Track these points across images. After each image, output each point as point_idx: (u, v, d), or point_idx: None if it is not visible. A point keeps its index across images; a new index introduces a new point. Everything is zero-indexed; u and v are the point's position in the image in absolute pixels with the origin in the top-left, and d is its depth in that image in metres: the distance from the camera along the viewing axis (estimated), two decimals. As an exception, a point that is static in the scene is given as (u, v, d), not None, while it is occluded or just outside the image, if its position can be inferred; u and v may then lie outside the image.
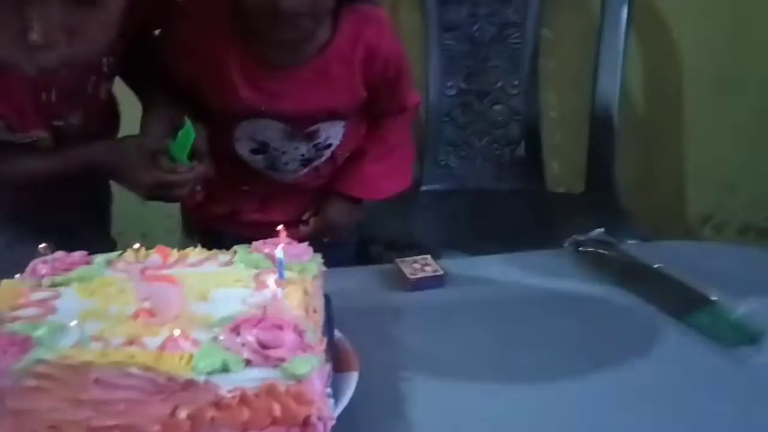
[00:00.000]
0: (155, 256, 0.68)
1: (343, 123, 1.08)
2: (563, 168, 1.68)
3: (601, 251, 0.90)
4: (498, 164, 1.65)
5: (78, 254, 0.71)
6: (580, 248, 0.92)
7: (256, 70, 1.01)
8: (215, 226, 1.15)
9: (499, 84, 1.64)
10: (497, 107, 1.65)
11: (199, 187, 0.99)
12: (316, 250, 0.74)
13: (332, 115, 1.06)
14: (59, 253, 0.71)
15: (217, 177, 1.06)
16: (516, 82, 1.64)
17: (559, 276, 0.88)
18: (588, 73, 1.63)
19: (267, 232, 1.07)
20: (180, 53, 1.02)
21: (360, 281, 0.90)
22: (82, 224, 1.11)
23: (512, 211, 1.55)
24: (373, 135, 1.14)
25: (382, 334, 0.77)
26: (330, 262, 0.76)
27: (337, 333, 0.71)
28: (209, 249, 0.98)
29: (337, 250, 1.14)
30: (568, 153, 1.68)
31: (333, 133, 1.08)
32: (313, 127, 1.06)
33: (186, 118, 0.93)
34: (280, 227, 0.74)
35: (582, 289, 0.85)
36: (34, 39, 0.80)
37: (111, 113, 1.08)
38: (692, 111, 1.77)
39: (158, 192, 0.95)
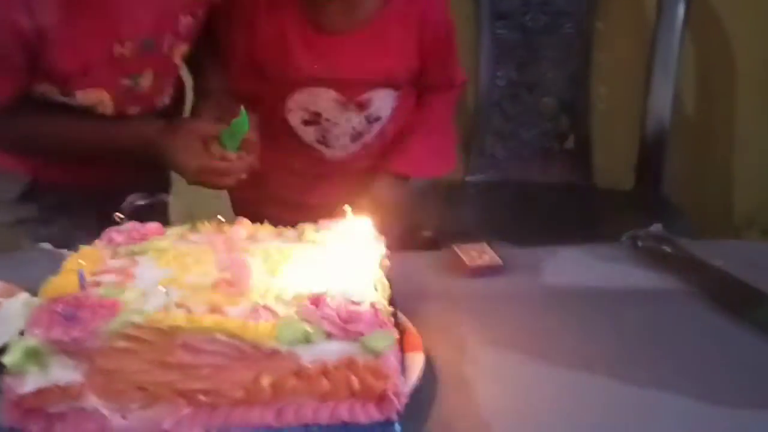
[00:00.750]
0: (236, 229, 0.69)
1: (394, 94, 1.11)
2: (612, 163, 1.66)
3: (661, 246, 0.90)
4: (546, 157, 1.64)
5: (152, 225, 0.72)
6: (639, 243, 0.92)
7: (313, 35, 1.04)
8: (259, 208, 1.16)
9: (550, 75, 1.63)
10: (547, 99, 1.64)
11: (244, 176, 0.99)
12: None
13: (385, 82, 1.09)
14: (133, 224, 0.72)
15: (266, 154, 1.08)
16: (567, 74, 1.63)
17: (618, 269, 0.88)
18: (641, 68, 1.61)
19: (312, 214, 1.10)
20: (240, 21, 1.04)
21: (416, 265, 0.90)
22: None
23: (559, 205, 1.54)
24: (419, 113, 1.16)
25: (442, 318, 0.77)
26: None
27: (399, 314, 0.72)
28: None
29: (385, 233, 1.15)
30: (617, 148, 1.67)
31: (384, 104, 1.11)
32: (366, 96, 1.08)
33: (242, 108, 0.93)
34: (346, 207, 0.75)
35: (643, 282, 0.85)
36: None
37: (178, 90, 1.10)
38: (743, 111, 1.75)
39: (205, 177, 0.96)
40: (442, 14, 1.12)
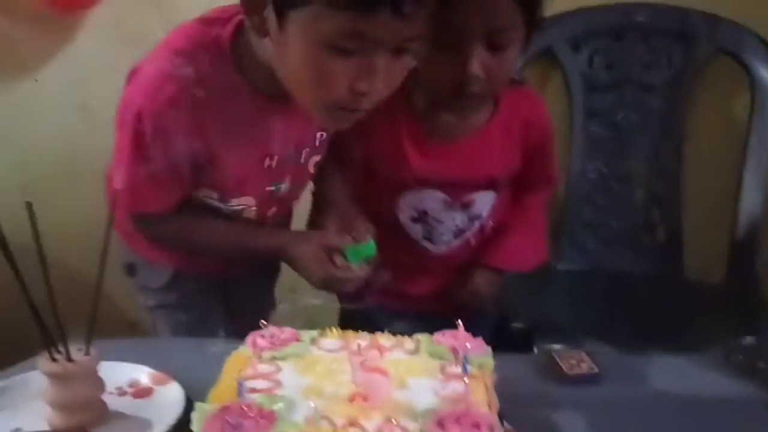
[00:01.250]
0: (372, 348, 0.78)
1: (494, 194, 1.20)
2: (703, 256, 1.69)
3: (755, 361, 0.94)
4: (636, 248, 1.69)
5: (288, 331, 0.83)
6: (731, 356, 0.96)
7: (425, 141, 1.15)
8: (361, 294, 1.26)
9: (641, 169, 1.69)
10: (638, 192, 1.70)
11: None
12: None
13: (489, 185, 1.18)
14: (273, 329, 0.83)
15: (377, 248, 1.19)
16: (657, 168, 1.69)
17: (712, 379, 0.92)
18: (732, 162, 1.65)
19: (413, 303, 1.21)
20: (360, 128, 1.13)
21: (513, 368, 0.96)
22: (256, 280, 1.27)
23: (649, 297, 1.58)
24: (516, 209, 1.25)
25: (542, 425, 0.84)
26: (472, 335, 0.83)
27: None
28: (354, 315, 1.13)
29: (478, 324, 1.23)
30: (709, 241, 1.69)
31: (485, 203, 1.20)
32: (470, 197, 1.18)
33: (371, 236, 1.04)
34: (459, 322, 0.83)
35: (737, 394, 0.89)
36: (364, 88, 0.88)
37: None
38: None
39: (328, 285, 1.05)
40: (544, 119, 1.22)
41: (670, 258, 1.68)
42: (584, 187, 1.71)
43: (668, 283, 1.65)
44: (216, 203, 1.07)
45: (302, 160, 1.09)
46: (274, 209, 1.13)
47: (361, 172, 1.18)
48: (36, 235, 0.73)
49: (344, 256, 1.03)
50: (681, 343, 1.13)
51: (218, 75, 0.94)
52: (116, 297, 1.42)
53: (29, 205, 0.71)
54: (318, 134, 1.08)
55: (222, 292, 1.23)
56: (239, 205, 1.07)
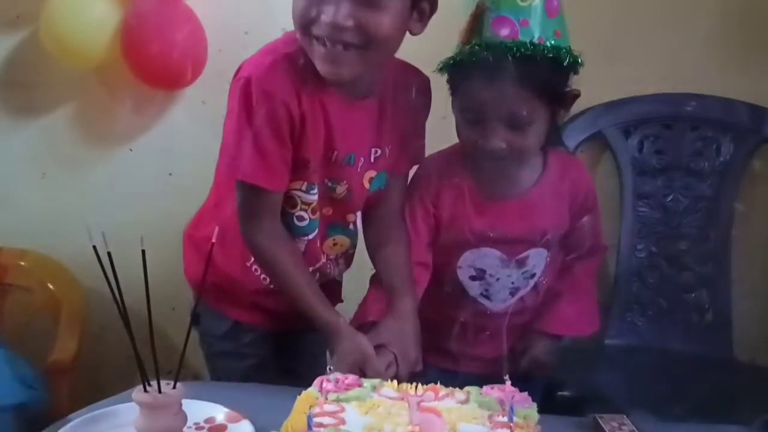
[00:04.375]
0: (427, 391, 0.87)
1: (546, 253, 1.29)
2: (752, 338, 1.72)
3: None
4: (684, 327, 1.73)
5: (352, 377, 0.93)
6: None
7: (483, 201, 1.26)
8: (425, 355, 1.28)
9: (690, 251, 1.75)
10: (686, 273, 1.75)
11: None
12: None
13: (540, 243, 1.27)
14: (338, 375, 0.93)
15: (437, 306, 1.28)
16: (706, 250, 1.74)
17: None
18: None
19: (472, 365, 1.28)
20: (425, 191, 1.28)
21: (557, 428, 1.03)
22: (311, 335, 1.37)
23: (697, 375, 1.60)
24: (567, 277, 1.33)
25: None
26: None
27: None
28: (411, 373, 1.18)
29: (528, 388, 1.30)
30: (758, 323, 1.72)
31: (538, 262, 1.29)
32: (524, 254, 1.27)
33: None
34: (506, 377, 0.91)
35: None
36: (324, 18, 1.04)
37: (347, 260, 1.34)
38: None
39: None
40: (588, 184, 1.33)
41: (719, 338, 1.71)
42: (634, 265, 1.77)
43: (716, 363, 1.67)
44: (303, 195, 1.17)
45: (358, 169, 1.20)
46: (330, 211, 1.22)
47: (428, 237, 1.28)
48: (146, 283, 0.84)
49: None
50: (726, 422, 1.16)
51: (307, 61, 1.08)
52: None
53: (143, 253, 0.83)
54: (372, 149, 1.20)
55: (278, 343, 1.34)
56: (316, 195, 1.18)
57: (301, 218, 1.20)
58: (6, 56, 1.79)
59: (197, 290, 1.30)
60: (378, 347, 1.14)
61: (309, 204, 1.19)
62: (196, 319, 1.32)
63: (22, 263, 1.48)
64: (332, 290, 1.34)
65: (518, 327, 1.32)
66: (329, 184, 1.20)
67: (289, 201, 1.18)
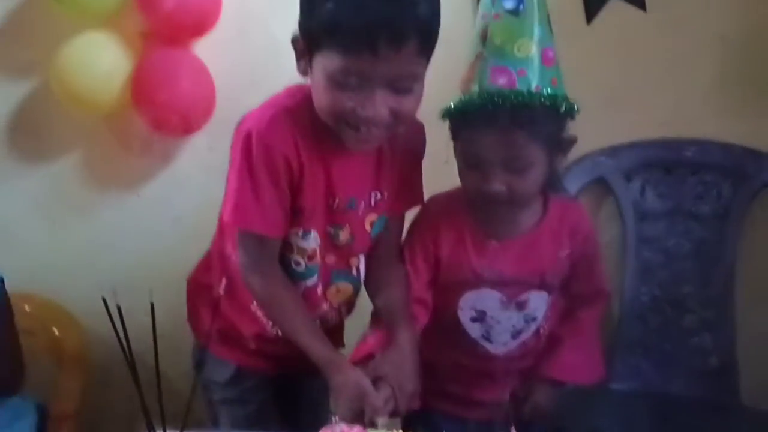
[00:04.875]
0: None
1: (547, 297, 1.30)
2: (758, 383, 1.71)
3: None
4: (689, 372, 1.72)
5: (357, 427, 0.92)
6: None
7: (483, 241, 1.28)
8: (429, 400, 1.30)
9: (693, 295, 1.75)
10: (690, 316, 1.75)
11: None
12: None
13: (540, 285, 1.28)
14: (343, 425, 0.93)
15: (438, 349, 1.29)
16: (709, 294, 1.74)
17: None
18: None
19: (473, 410, 1.27)
20: (426, 229, 1.30)
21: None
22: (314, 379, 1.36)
23: (702, 421, 1.59)
24: (570, 322, 1.34)
25: None
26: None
27: None
28: (416, 418, 1.18)
29: (531, 434, 1.30)
30: (763, 368, 1.71)
31: (539, 306, 1.30)
32: (524, 296, 1.28)
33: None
34: (512, 428, 0.91)
35: None
36: (363, 114, 1.08)
37: (349, 307, 1.35)
38: None
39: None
40: (588, 230, 1.35)
41: (724, 383, 1.70)
42: (637, 310, 1.77)
43: (722, 408, 1.66)
44: (299, 241, 1.20)
45: (360, 213, 1.22)
46: (333, 258, 1.24)
47: (427, 276, 1.30)
48: (154, 334, 0.85)
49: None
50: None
51: (308, 113, 1.13)
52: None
53: (152, 306, 0.84)
54: (372, 193, 1.23)
55: (281, 389, 1.34)
56: (314, 243, 1.20)
57: (297, 263, 1.22)
58: (17, 103, 1.83)
59: (201, 337, 1.31)
60: (376, 380, 1.14)
61: (304, 250, 1.21)
62: (199, 366, 1.33)
63: (27, 307, 1.49)
64: (334, 334, 1.34)
65: (521, 372, 1.32)
66: (331, 230, 1.22)
67: (286, 246, 1.21)
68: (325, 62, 1.06)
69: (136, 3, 1.67)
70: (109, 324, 0.90)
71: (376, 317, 1.28)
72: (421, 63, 1.09)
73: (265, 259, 1.19)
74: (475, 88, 1.18)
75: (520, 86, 1.15)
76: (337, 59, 1.04)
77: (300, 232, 1.20)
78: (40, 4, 1.72)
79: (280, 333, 1.25)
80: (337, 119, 1.10)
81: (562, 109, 1.19)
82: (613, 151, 1.78)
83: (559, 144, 1.23)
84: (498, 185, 1.19)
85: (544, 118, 1.17)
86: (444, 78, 1.16)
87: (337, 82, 1.06)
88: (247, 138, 1.12)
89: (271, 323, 1.26)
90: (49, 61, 1.69)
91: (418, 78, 1.10)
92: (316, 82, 1.09)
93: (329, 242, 1.22)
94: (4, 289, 1.35)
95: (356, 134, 1.11)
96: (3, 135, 1.83)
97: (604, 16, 1.75)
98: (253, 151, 1.12)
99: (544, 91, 1.16)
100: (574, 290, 1.34)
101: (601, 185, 1.79)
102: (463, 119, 1.21)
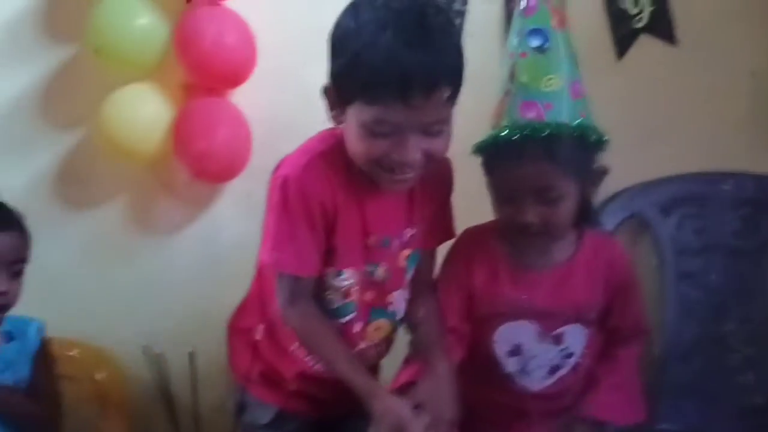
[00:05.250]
0: None
1: (584, 331, 1.29)
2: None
3: None
4: (734, 410, 1.68)
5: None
6: None
7: (517, 271, 1.29)
8: None
9: (735, 333, 1.71)
10: (733, 355, 1.71)
11: None
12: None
13: (576, 318, 1.28)
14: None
15: (473, 386, 1.27)
16: (751, 332, 1.71)
17: None
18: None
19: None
20: (461, 260, 1.31)
21: None
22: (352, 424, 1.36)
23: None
24: (609, 362, 1.32)
25: None
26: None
27: None
28: None
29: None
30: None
31: (576, 341, 1.29)
32: (560, 329, 1.28)
33: None
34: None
35: None
36: (397, 159, 1.10)
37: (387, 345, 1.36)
38: None
39: None
40: (625, 265, 1.34)
41: (770, 422, 1.65)
42: (680, 348, 1.73)
43: (770, 448, 1.62)
44: (332, 281, 1.22)
45: (394, 250, 1.24)
46: (371, 295, 1.26)
47: (460, 307, 1.30)
48: (193, 382, 0.87)
49: None
50: None
51: (341, 157, 1.16)
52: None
53: (191, 356, 0.86)
54: (406, 230, 1.25)
55: None
56: (348, 281, 1.22)
57: (331, 301, 1.25)
58: (64, 153, 1.89)
59: (242, 381, 1.33)
60: (415, 409, 1.14)
61: (338, 288, 1.23)
62: (240, 409, 1.35)
63: (71, 353, 1.52)
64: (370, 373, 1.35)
65: (559, 411, 1.31)
66: (368, 269, 1.24)
67: (321, 285, 1.23)
68: (358, 113, 1.09)
69: (177, 56, 1.74)
70: (151, 370, 0.92)
71: (413, 350, 1.29)
72: (450, 106, 1.12)
73: (302, 297, 1.22)
74: (504, 122, 1.21)
75: (548, 119, 1.18)
76: (370, 110, 1.07)
77: (333, 272, 1.22)
78: (86, 60, 1.80)
79: (321, 368, 1.27)
80: (372, 164, 1.13)
81: (591, 139, 1.21)
82: (649, 187, 1.77)
83: (590, 175, 1.25)
84: (531, 217, 1.20)
85: (573, 149, 1.19)
86: (472, 116, 1.19)
87: (370, 131, 1.09)
88: (284, 183, 1.16)
89: (312, 359, 1.27)
90: (94, 113, 1.76)
91: (448, 120, 1.13)
92: (349, 130, 1.13)
93: (367, 280, 1.24)
94: (45, 334, 1.39)
95: (391, 176, 1.14)
96: (51, 184, 1.90)
97: (634, 51, 1.76)
98: (289, 197, 1.15)
99: (573, 123, 1.18)
100: (611, 325, 1.33)
101: (637, 221, 1.78)
102: (494, 153, 1.23)
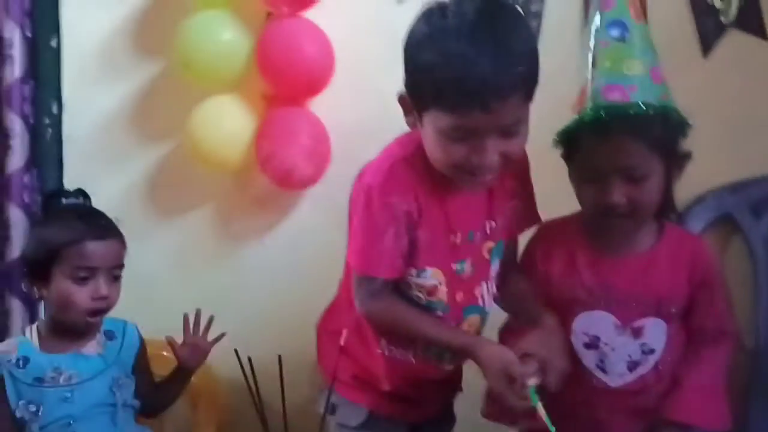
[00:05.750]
0: None
1: (665, 326, 1.25)
2: None
3: None
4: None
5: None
6: None
7: (596, 257, 1.28)
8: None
9: (834, 337, 1.63)
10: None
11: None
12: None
13: (656, 310, 1.25)
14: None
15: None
16: None
17: None
18: None
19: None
20: (538, 250, 1.32)
21: None
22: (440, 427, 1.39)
23: None
24: (693, 362, 1.28)
25: None
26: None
27: None
28: None
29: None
30: None
31: (656, 336, 1.26)
32: (640, 322, 1.25)
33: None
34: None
35: None
36: (476, 162, 1.11)
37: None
38: None
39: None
40: (709, 261, 1.31)
41: None
42: (773, 357, 1.66)
43: None
44: (415, 279, 1.24)
45: (477, 242, 1.25)
46: (461, 295, 1.26)
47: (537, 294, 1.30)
48: (282, 385, 0.89)
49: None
50: None
51: (420, 160, 1.18)
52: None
53: (279, 359, 0.89)
54: (487, 223, 1.25)
55: None
56: (432, 279, 1.23)
57: (418, 297, 1.26)
58: (155, 163, 1.98)
59: (332, 382, 1.35)
60: (523, 357, 1.15)
61: (422, 286, 1.25)
62: (332, 410, 1.37)
63: (165, 354, 1.59)
64: (453, 379, 1.36)
65: (640, 411, 1.27)
66: (456, 266, 1.25)
67: (405, 285, 1.25)
68: (434, 120, 1.11)
69: (259, 67, 1.79)
70: (240, 372, 0.96)
71: (511, 319, 1.33)
72: (526, 105, 1.12)
73: (384, 293, 1.24)
74: (588, 106, 1.22)
75: (632, 99, 1.19)
76: (447, 117, 1.09)
77: (415, 272, 1.24)
78: (174, 74, 1.89)
79: (413, 355, 1.28)
80: (452, 169, 1.15)
81: (676, 120, 1.21)
82: (739, 186, 1.71)
83: (675, 157, 1.24)
84: (617, 197, 1.20)
85: (657, 128, 1.19)
86: (550, 115, 1.21)
87: (447, 137, 1.11)
88: (368, 190, 1.19)
89: (403, 350, 1.28)
90: (183, 124, 1.84)
91: (525, 119, 1.13)
92: (428, 136, 1.14)
93: (455, 278, 1.25)
94: (139, 332, 1.46)
95: (471, 178, 1.15)
96: (143, 193, 1.99)
97: (721, 47, 1.71)
98: (374, 202, 1.18)
99: (656, 103, 1.20)
100: (695, 326, 1.29)
101: (727, 222, 1.72)
102: (578, 136, 1.24)
